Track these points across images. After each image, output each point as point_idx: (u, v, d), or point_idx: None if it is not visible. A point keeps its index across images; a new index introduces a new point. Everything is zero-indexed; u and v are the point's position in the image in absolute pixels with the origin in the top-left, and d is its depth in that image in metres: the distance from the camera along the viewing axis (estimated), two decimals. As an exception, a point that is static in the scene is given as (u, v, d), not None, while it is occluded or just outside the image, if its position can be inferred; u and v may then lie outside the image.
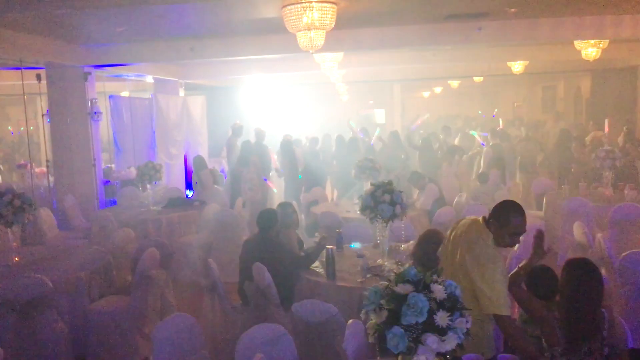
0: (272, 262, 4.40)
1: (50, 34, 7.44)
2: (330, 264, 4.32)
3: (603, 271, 4.80)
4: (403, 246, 4.97)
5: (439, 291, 2.16)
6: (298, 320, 3.58)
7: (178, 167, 10.80)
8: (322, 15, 5.89)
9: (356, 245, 5.19)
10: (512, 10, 6.90)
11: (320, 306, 3.54)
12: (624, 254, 4.27)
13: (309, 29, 6.01)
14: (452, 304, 2.17)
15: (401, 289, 2.18)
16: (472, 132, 14.76)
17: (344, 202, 7.96)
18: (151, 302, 4.59)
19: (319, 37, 6.14)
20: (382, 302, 2.17)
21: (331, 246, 4.45)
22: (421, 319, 2.10)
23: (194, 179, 8.74)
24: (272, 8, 6.32)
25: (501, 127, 13.45)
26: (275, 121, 14.99)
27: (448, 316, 2.12)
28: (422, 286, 2.20)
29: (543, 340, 3.02)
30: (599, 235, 4.89)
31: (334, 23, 5.97)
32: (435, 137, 11.69)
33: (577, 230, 5.23)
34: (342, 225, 5.98)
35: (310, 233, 6.77)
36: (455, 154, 10.04)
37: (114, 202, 8.69)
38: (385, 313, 2.17)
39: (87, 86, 8.45)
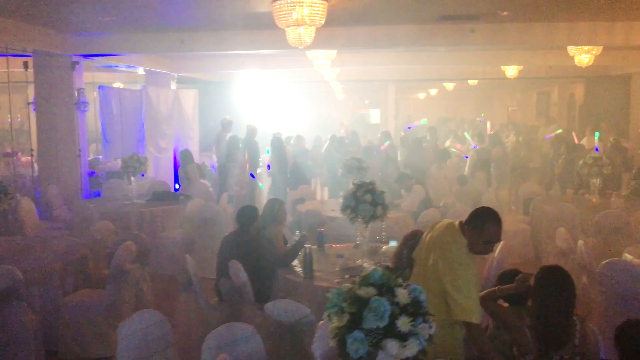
0: (250, 259, 4.34)
1: (38, 22, 7.34)
2: (307, 264, 4.26)
3: (584, 278, 4.77)
4: (384, 247, 4.91)
5: (402, 295, 2.10)
6: (270, 319, 3.52)
7: (167, 160, 10.70)
8: (312, 12, 5.83)
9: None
10: (504, 13, 6.86)
11: (293, 306, 3.48)
12: (603, 262, 4.24)
13: (298, 25, 5.96)
14: (415, 309, 2.11)
15: (364, 292, 2.13)
16: (465, 134, 14.73)
17: (331, 200, 7.91)
18: (125, 296, 4.51)
19: (309, 34, 6.08)
20: (344, 305, 2.11)
21: (309, 245, 4.40)
22: (382, 324, 2.04)
23: (181, 173, 8.65)
24: (263, 2, 6.25)
25: (489, 131, 13.42)
26: (269, 118, 14.93)
27: (410, 321, 2.07)
28: (386, 290, 2.14)
29: (514, 348, 2.98)
30: (580, 242, 4.86)
31: (324, 20, 5.90)
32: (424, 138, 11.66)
33: (560, 237, 5.21)
34: (326, 224, 5.93)
35: (294, 231, 6.71)
36: (446, 157, 10.00)
37: (99, 194, 8.59)
38: (346, 316, 2.11)
39: (75, 75, 8.35)
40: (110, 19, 7.13)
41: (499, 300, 3.17)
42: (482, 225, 2.87)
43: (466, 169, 10.22)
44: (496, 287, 3.16)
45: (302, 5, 5.76)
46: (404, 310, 2.09)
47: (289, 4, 5.77)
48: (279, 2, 5.81)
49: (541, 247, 6.79)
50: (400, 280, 2.19)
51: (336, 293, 2.19)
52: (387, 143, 11.23)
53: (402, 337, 2.05)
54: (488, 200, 7.24)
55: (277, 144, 9.64)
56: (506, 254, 5.35)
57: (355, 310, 2.11)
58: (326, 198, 9.45)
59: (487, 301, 3.06)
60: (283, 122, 15.45)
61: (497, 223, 2.88)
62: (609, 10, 6.96)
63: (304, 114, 18.09)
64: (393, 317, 2.07)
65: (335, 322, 2.15)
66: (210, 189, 8.90)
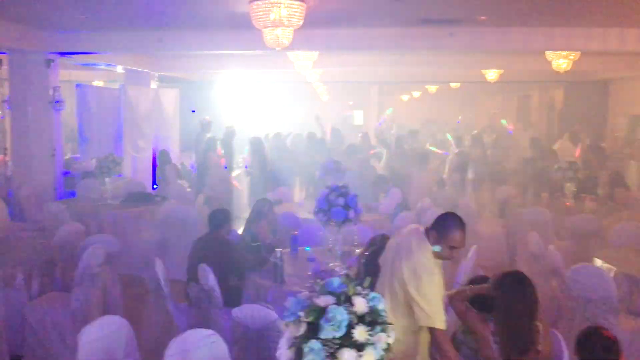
0: (220, 262, 4.30)
1: (13, 18, 7.20)
2: (278, 268, 4.22)
3: (554, 283, 4.81)
4: (357, 251, 4.89)
5: (360, 304, 2.08)
6: (237, 325, 3.48)
7: (146, 160, 10.56)
8: (290, 13, 5.80)
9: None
10: (482, 17, 6.90)
11: (261, 311, 3.45)
12: (572, 267, 4.27)
13: (276, 26, 5.92)
14: (373, 318, 2.09)
15: (321, 300, 2.10)
16: (447, 135, 14.81)
17: (308, 202, 7.87)
18: (93, 300, 4.43)
19: (286, 35, 6.04)
20: (301, 314, 2.08)
21: (280, 249, 4.36)
22: (339, 334, 2.01)
23: (158, 173, 8.55)
24: (242, 2, 6.20)
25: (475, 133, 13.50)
26: (252, 119, 14.84)
27: (368, 331, 2.04)
28: (344, 298, 2.12)
29: (480, 353, 2.98)
30: (551, 246, 4.89)
31: (302, 21, 5.87)
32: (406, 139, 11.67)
33: (531, 240, 5.24)
34: (301, 227, 5.89)
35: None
36: (425, 161, 10.01)
37: (73, 194, 8.45)
38: (304, 326, 2.08)
39: (50, 73, 8.21)
40: (87, 16, 7.02)
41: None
42: (446, 230, 2.87)
43: (445, 170, 10.26)
44: (467, 287, 3.16)
45: (279, 7, 5.73)
46: (361, 319, 2.07)
47: (266, 5, 5.73)
48: (256, 2, 5.77)
49: (516, 251, 6.83)
50: (359, 289, 2.17)
51: (294, 301, 2.16)
52: (376, 149, 11.21)
53: (359, 347, 2.03)
54: (464, 203, 7.29)
55: (257, 145, 9.58)
56: (481, 257, 5.38)
57: (313, 319, 2.08)
58: (305, 198, 9.42)
59: (455, 300, 3.06)
60: (266, 122, 15.38)
61: (460, 228, 2.88)
62: (584, 17, 7.04)
63: (287, 114, 18.03)
64: (350, 327, 2.04)
65: (293, 331, 2.12)
66: (189, 189, 8.82)
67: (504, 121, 13.09)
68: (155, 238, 6.39)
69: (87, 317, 4.43)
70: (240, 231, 5.57)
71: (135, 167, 10.00)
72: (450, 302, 3.06)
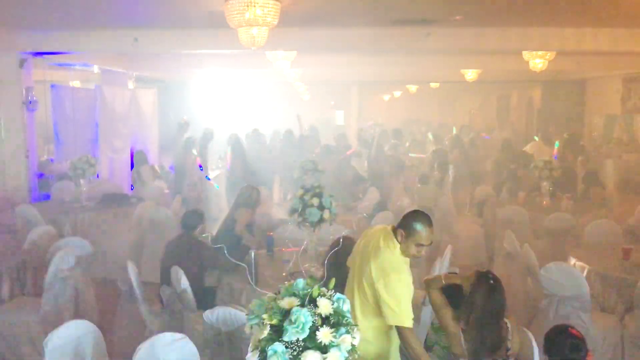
0: (193, 264, 4.25)
1: (-18, 17, 7.05)
2: (252, 269, 4.18)
3: (529, 281, 4.85)
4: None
5: (324, 306, 2.05)
6: (209, 327, 3.43)
7: (124, 161, 10.42)
8: (265, 12, 5.76)
9: None
10: (458, 17, 6.93)
11: (232, 313, 3.41)
12: (545, 265, 4.30)
13: (250, 26, 5.89)
14: (337, 320, 2.07)
15: (286, 302, 2.07)
16: (429, 134, 14.91)
17: (286, 203, 7.84)
18: (63, 305, 4.34)
19: (262, 35, 6.01)
20: (264, 316, 2.05)
21: (254, 250, 4.33)
22: (302, 336, 1.99)
23: (134, 174, 8.43)
24: (218, 1, 6.14)
25: (454, 133, 13.61)
26: (232, 119, 14.75)
27: (332, 332, 2.02)
28: (309, 300, 2.09)
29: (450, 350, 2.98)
30: (526, 245, 4.93)
31: (277, 21, 5.84)
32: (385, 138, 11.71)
33: (507, 239, 5.28)
34: (277, 227, 5.86)
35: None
36: (403, 166, 10.05)
37: (48, 197, 8.30)
38: (267, 328, 2.05)
39: (23, 73, 8.04)
40: (60, 15, 6.90)
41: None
42: (413, 228, 2.86)
43: (426, 167, 10.31)
44: (443, 274, 3.16)
45: (254, 6, 5.70)
46: (325, 321, 2.05)
47: (240, 4, 5.69)
48: (231, 1, 5.72)
49: (494, 250, 6.88)
50: (324, 290, 2.15)
51: (258, 303, 2.13)
52: (354, 149, 11.20)
53: (324, 349, 2.01)
54: (443, 203, 7.32)
55: (238, 147, 9.51)
56: (459, 256, 5.41)
57: (277, 321, 2.05)
58: (284, 198, 9.40)
59: (430, 287, 3.06)
60: (246, 123, 15.31)
61: (428, 226, 2.87)
62: (559, 17, 7.12)
63: (268, 115, 17.97)
64: (314, 329, 2.02)
65: (257, 334, 2.09)
66: (166, 190, 8.72)
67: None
68: (130, 240, 6.29)
69: (58, 322, 4.34)
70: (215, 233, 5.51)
71: (112, 168, 9.87)
72: (427, 289, 3.07)
